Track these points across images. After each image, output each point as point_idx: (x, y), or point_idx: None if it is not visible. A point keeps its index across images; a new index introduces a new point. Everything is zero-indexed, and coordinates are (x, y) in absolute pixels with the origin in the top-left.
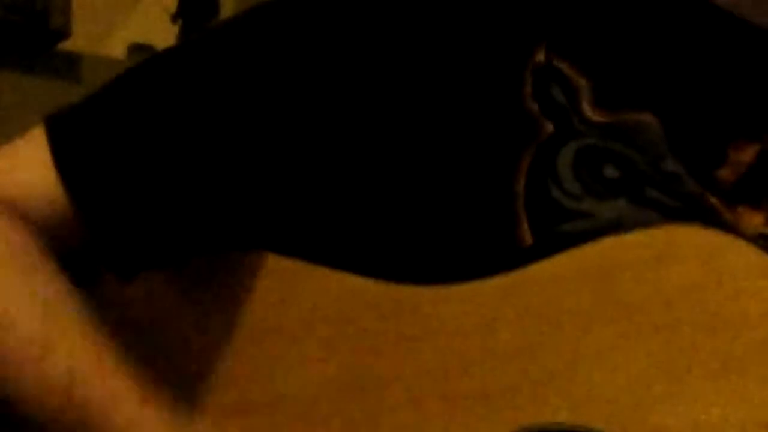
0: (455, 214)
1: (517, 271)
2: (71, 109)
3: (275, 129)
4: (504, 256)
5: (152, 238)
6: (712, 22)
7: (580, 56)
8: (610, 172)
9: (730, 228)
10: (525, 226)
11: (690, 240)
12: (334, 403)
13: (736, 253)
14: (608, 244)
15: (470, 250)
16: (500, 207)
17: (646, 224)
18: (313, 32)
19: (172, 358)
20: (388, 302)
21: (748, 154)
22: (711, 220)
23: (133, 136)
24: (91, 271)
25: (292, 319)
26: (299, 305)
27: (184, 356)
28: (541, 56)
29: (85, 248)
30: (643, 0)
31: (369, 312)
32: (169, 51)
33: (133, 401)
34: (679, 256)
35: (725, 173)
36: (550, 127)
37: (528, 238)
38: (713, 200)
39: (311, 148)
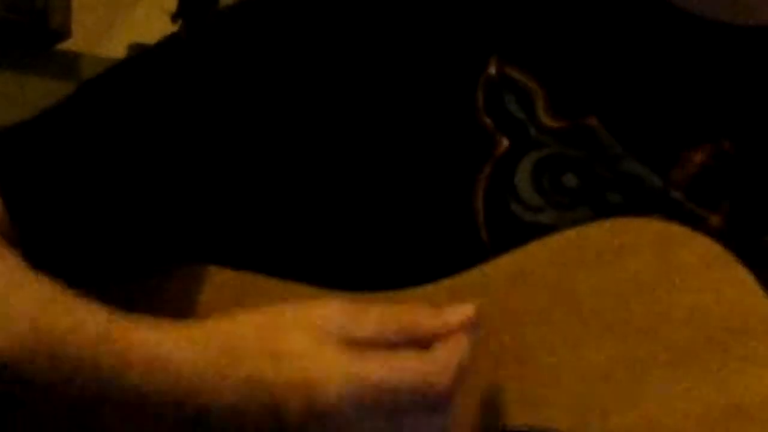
0: (418, 232)
1: (471, 270)
2: (16, 125)
3: (226, 142)
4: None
5: (87, 258)
6: (661, 20)
7: (533, 63)
8: (569, 180)
9: (697, 219)
10: (486, 241)
11: (643, 232)
12: None
13: (691, 244)
14: (562, 238)
15: (435, 267)
16: (461, 224)
17: None
18: (271, 52)
19: None
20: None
21: (699, 155)
22: (676, 215)
23: (75, 150)
24: None
25: None
26: None
27: None
28: (492, 68)
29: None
30: (592, 4)
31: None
32: (112, 70)
33: (101, 316)
34: (632, 248)
35: (678, 174)
36: (505, 143)
37: (490, 254)
38: (677, 194)
39: (271, 163)
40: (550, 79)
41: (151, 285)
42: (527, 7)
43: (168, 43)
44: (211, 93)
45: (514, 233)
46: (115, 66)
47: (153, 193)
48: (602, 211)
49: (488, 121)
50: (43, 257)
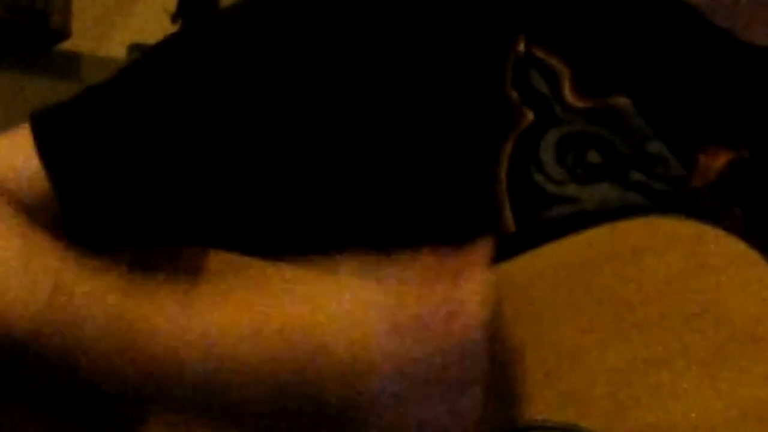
0: (440, 202)
1: (500, 264)
2: (58, 103)
3: (251, 119)
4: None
5: (124, 226)
6: (689, 22)
7: (560, 44)
8: (593, 157)
9: (713, 212)
10: (508, 212)
11: (671, 231)
12: None
13: (717, 244)
14: (589, 236)
15: (455, 237)
16: (483, 193)
17: (630, 207)
18: (297, 25)
19: None
20: None
21: (719, 161)
22: (694, 203)
23: (115, 127)
24: None
25: None
26: None
27: None
28: (520, 46)
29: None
30: None
31: None
32: (151, 51)
33: (116, 292)
34: (659, 248)
35: (694, 179)
36: (530, 115)
37: (511, 224)
38: (696, 183)
39: (296, 142)
40: (577, 60)
41: (150, 265)
42: None
43: (175, 40)
44: (241, 75)
45: (537, 204)
46: (134, 64)
47: (168, 176)
48: (625, 186)
49: (514, 94)
50: (81, 224)
